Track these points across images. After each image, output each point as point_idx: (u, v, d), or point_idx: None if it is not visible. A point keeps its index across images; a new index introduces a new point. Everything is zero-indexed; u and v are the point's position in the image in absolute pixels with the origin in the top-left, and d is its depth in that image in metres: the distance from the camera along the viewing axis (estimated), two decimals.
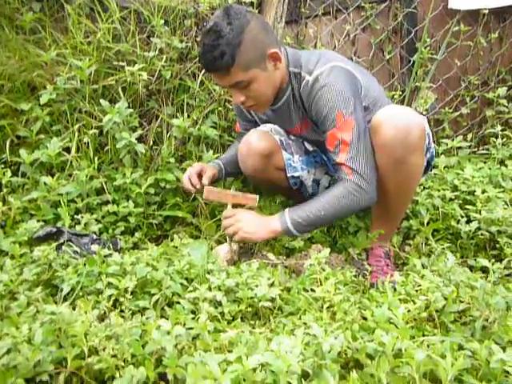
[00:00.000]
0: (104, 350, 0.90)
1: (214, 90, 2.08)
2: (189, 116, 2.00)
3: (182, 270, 1.27)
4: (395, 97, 2.41)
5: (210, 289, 1.16)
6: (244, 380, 0.78)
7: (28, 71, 1.83)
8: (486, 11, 2.44)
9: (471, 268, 1.45)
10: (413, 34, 2.45)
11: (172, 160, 1.87)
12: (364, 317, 1.05)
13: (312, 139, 1.67)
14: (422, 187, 1.92)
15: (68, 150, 1.76)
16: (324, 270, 1.23)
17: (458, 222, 1.64)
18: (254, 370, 0.79)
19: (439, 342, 0.89)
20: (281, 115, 1.60)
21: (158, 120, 2.02)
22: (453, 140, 2.25)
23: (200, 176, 1.67)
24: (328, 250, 1.28)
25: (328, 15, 2.38)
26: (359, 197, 1.36)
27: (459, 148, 2.34)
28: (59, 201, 1.61)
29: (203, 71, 2.06)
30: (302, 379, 0.78)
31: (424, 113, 2.41)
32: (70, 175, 1.74)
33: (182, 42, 2.05)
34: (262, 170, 1.66)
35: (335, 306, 1.08)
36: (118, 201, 1.74)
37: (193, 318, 1.05)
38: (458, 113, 2.56)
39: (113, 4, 1.95)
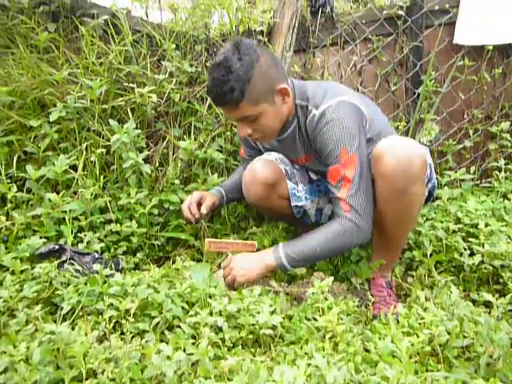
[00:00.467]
0: (103, 372, 0.89)
1: (221, 114, 2.10)
2: (195, 139, 2.02)
3: (184, 293, 1.26)
4: (400, 127, 2.43)
5: (211, 314, 1.15)
6: None
7: (39, 89, 1.86)
8: (491, 47, 2.49)
9: (474, 302, 1.43)
10: (418, 67, 2.49)
11: (177, 182, 1.88)
12: (367, 349, 1.04)
13: (316, 169, 1.69)
14: (425, 218, 1.92)
15: (74, 167, 1.78)
16: (327, 299, 1.21)
17: (461, 254, 1.63)
18: None
19: (443, 378, 0.88)
20: (286, 146, 1.61)
21: (165, 141, 2.04)
22: (456, 172, 2.26)
23: (200, 204, 1.68)
24: (331, 278, 1.27)
25: (336, 46, 2.43)
26: (354, 234, 1.37)
27: (462, 180, 2.35)
28: (63, 218, 1.61)
29: None
30: None
31: (428, 144, 2.43)
32: (75, 193, 1.75)
33: (191, 66, 2.09)
34: (265, 199, 1.66)
35: (338, 336, 1.07)
36: (121, 220, 1.74)
37: (193, 343, 1.04)
38: (461, 145, 2.58)
39: (126, 27, 1.99)
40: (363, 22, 2.42)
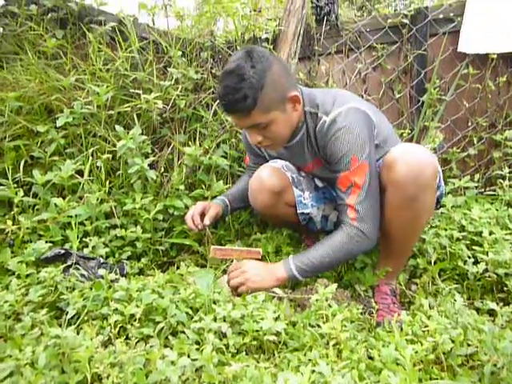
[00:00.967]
0: (108, 377, 0.90)
1: (227, 121, 2.12)
2: (200, 145, 2.03)
3: (188, 299, 1.26)
4: (404, 135, 2.44)
5: (215, 319, 1.15)
6: None
7: (47, 94, 1.88)
8: (495, 56, 2.50)
9: (478, 310, 1.43)
10: (422, 75, 2.50)
11: (182, 187, 1.89)
12: (370, 356, 1.04)
13: (323, 176, 1.69)
14: (429, 225, 1.92)
15: (80, 172, 1.79)
16: (330, 306, 1.22)
17: (465, 262, 1.63)
18: None
19: None
20: (293, 152, 1.62)
21: (170, 147, 2.06)
22: (460, 180, 2.27)
23: (203, 215, 1.68)
24: (335, 285, 1.28)
25: (340, 53, 2.45)
26: (361, 241, 1.38)
27: (466, 188, 2.35)
28: (68, 223, 1.63)
29: (217, 102, 2.11)
30: None
31: (432, 152, 2.43)
32: (81, 198, 1.76)
33: (197, 73, 2.11)
34: (272, 206, 1.67)
35: (341, 343, 1.07)
36: (126, 225, 1.75)
37: (197, 349, 1.04)
38: (465, 153, 2.58)
39: (133, 34, 2.02)
40: (368, 30, 2.44)
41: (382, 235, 1.47)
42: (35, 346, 0.99)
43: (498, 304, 1.25)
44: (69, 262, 1.43)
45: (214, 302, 1.27)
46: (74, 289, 1.31)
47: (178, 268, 1.65)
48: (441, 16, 2.48)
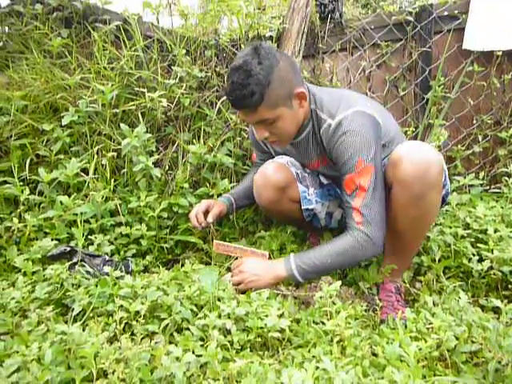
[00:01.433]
0: (113, 373, 0.90)
1: (231, 119, 2.12)
2: (205, 143, 2.04)
3: (193, 296, 1.27)
4: (408, 133, 2.43)
5: (219, 316, 1.16)
6: None
7: (52, 93, 1.89)
8: (500, 53, 2.49)
9: (482, 308, 1.42)
10: (427, 73, 2.49)
11: (186, 185, 1.89)
12: (374, 353, 1.04)
13: (328, 174, 1.69)
14: (433, 223, 1.91)
15: (85, 170, 1.80)
16: (334, 303, 1.22)
17: (470, 260, 1.63)
18: None
19: (451, 383, 0.88)
20: (299, 149, 1.62)
21: (175, 145, 2.06)
22: (465, 177, 2.26)
23: (207, 213, 1.70)
24: (339, 282, 1.28)
25: (344, 51, 2.45)
26: (366, 246, 1.37)
27: (471, 186, 2.34)
28: (74, 220, 1.64)
29: (221, 100, 2.11)
30: None
31: (436, 149, 2.43)
32: (86, 196, 1.77)
33: (201, 71, 2.12)
34: (276, 202, 1.67)
35: (345, 340, 1.07)
36: (131, 223, 1.76)
37: (202, 345, 1.05)
38: (470, 151, 2.57)
39: (137, 33, 2.02)
40: (372, 27, 2.43)
41: (388, 233, 1.46)
42: (41, 342, 1.00)
43: (502, 301, 1.25)
44: (74, 260, 1.44)
45: (219, 299, 1.28)
46: (79, 286, 1.32)
47: (182, 265, 1.66)
48: (445, 13, 2.47)
